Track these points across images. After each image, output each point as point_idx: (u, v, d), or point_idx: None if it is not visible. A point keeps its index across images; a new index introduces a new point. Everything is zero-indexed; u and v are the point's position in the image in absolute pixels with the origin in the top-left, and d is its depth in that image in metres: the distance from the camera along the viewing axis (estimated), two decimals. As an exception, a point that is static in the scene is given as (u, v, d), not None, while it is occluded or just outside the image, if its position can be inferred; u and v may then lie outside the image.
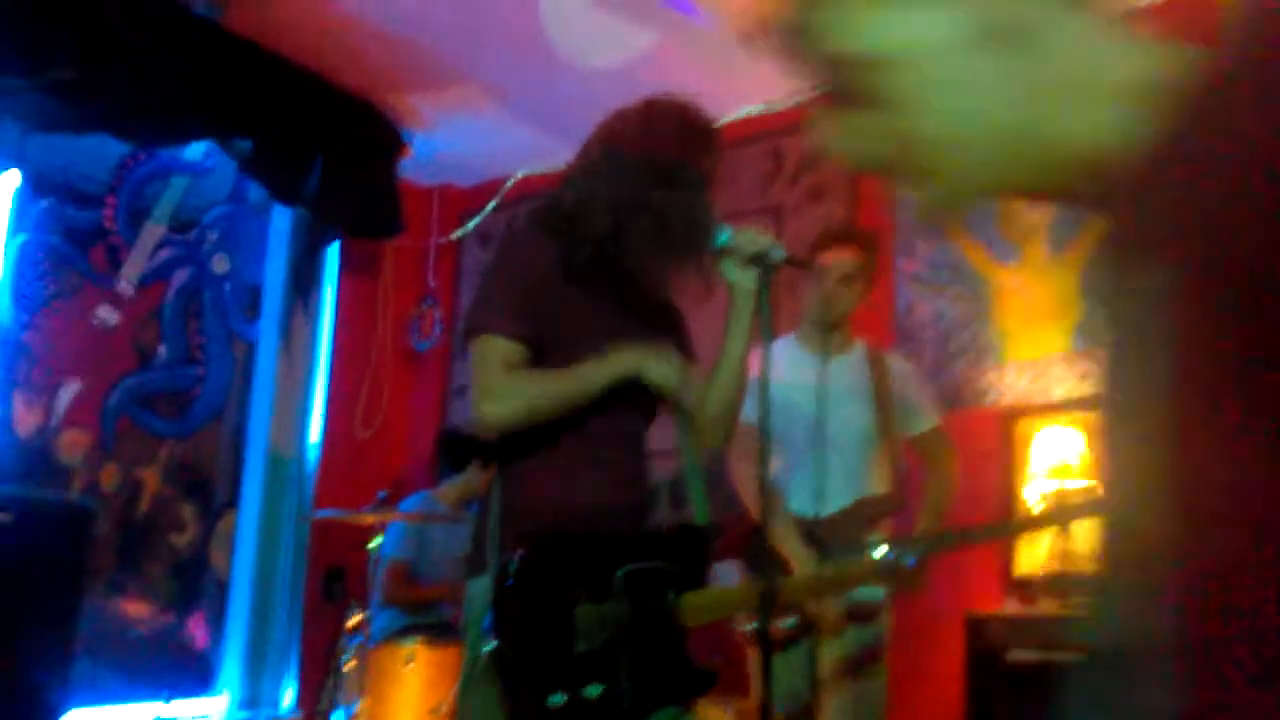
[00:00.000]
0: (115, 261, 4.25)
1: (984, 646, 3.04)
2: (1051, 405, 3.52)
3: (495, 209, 5.25)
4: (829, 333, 2.70)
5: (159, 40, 3.42)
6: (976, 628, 3.08)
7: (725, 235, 1.76)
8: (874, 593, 2.58)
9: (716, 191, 1.84)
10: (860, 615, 2.61)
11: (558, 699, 1.58)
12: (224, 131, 4.10)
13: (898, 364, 2.85)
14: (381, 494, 3.30)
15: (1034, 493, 3.38)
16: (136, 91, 3.41)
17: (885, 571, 2.06)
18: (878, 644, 2.65)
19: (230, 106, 3.92)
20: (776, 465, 2.68)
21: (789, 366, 2.64)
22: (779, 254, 1.75)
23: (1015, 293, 3.69)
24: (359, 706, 3.09)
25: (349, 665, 3.18)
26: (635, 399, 1.82)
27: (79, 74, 3.10)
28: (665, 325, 1.94)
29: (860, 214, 4.11)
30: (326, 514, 4.29)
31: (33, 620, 2.32)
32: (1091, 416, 3.42)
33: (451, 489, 4.26)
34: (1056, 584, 3.24)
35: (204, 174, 4.57)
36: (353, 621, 3.15)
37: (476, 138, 4.90)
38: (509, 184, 5.22)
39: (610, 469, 1.79)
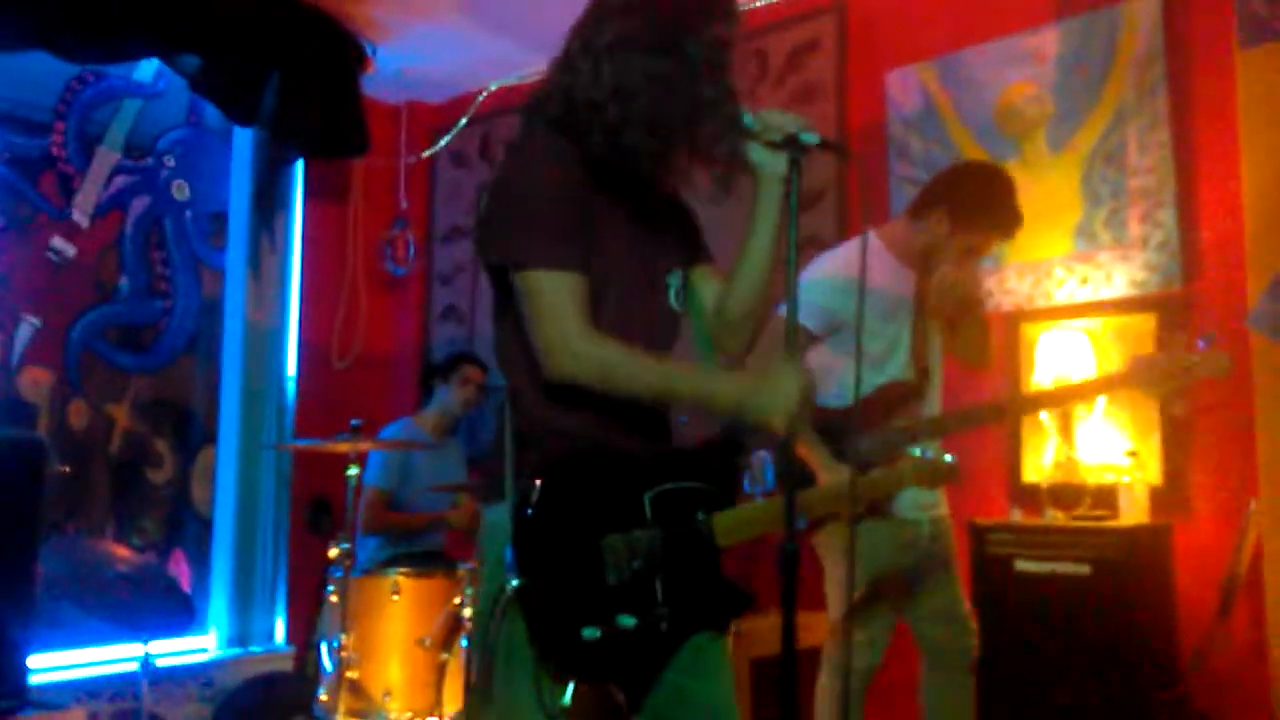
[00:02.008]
0: (68, 190, 4.04)
1: (990, 555, 2.97)
2: (1054, 308, 3.38)
3: (468, 125, 5.03)
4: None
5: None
6: (981, 536, 3.00)
7: (748, 117, 1.57)
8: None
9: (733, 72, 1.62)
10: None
11: (592, 632, 1.50)
12: (170, 47, 3.85)
13: None
14: (355, 422, 3.15)
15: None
16: (71, 5, 3.17)
17: (923, 471, 1.95)
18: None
19: (175, 19, 3.67)
20: (829, 363, 2.65)
21: (881, 271, 2.60)
22: (812, 137, 1.55)
23: (1014, 192, 3.52)
24: (343, 640, 2.99)
25: (332, 598, 3.07)
26: (658, 318, 1.69)
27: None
28: (680, 224, 1.77)
29: (850, 115, 3.92)
30: (300, 443, 4.16)
31: (-15, 564, 2.20)
32: (1095, 319, 3.29)
33: (431, 415, 4.14)
34: (1061, 494, 3.15)
35: (157, 96, 4.34)
36: (333, 553, 3.03)
37: (444, 50, 4.66)
38: (481, 98, 5.00)
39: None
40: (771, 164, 1.60)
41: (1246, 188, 2.87)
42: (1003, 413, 2.78)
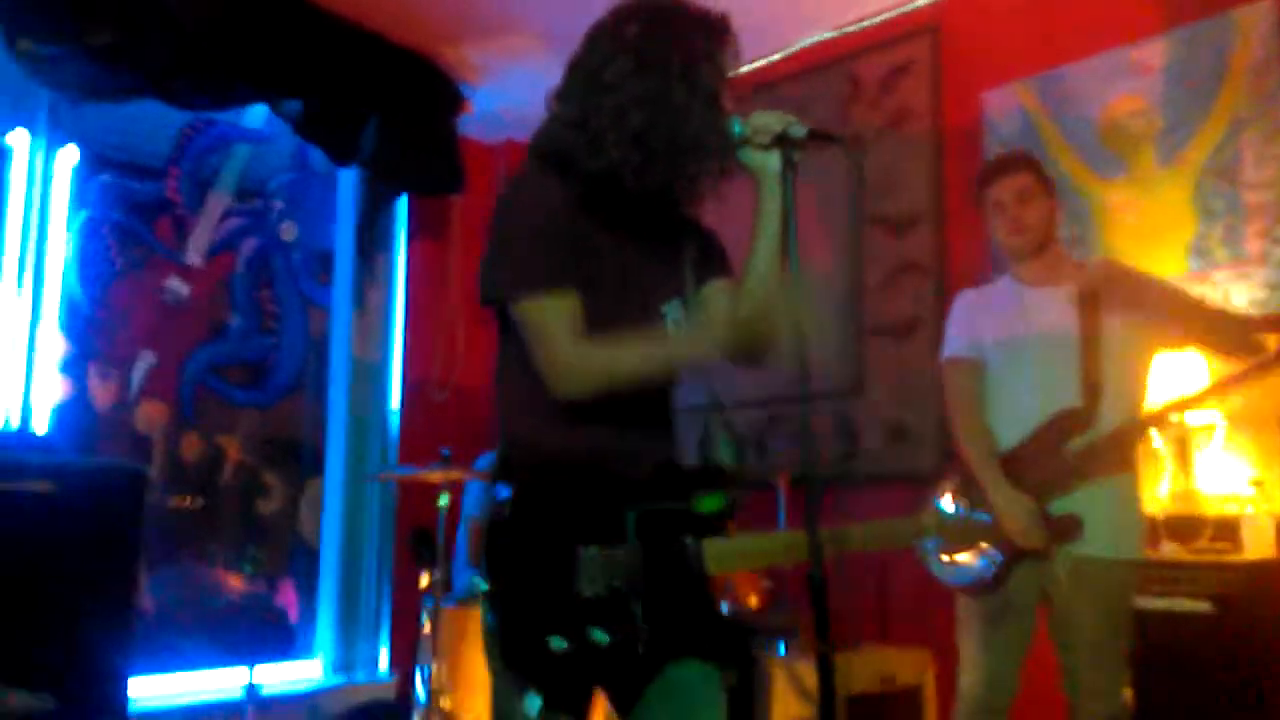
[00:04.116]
0: (182, 233, 4.23)
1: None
2: (1167, 329, 3.20)
3: (564, 160, 5.08)
4: (1028, 260, 2.63)
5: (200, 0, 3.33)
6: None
7: (737, 124, 1.58)
8: None
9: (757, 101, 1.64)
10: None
11: (559, 643, 1.47)
12: (273, 93, 4.00)
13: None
14: (445, 451, 3.19)
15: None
16: (179, 54, 3.33)
17: (947, 527, 1.88)
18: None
19: (277, 66, 3.81)
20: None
21: (999, 305, 2.63)
22: (800, 130, 1.54)
23: (1122, 210, 3.37)
24: (434, 669, 3.01)
25: (425, 628, 3.10)
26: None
27: (117, 37, 3.02)
28: (684, 250, 1.74)
29: (947, 137, 3.83)
30: (398, 471, 4.23)
31: (87, 588, 2.28)
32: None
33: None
34: (1179, 527, 2.96)
35: (266, 141, 4.51)
36: (424, 582, 3.06)
37: (538, 91, 4.70)
38: (576, 134, 5.05)
39: (627, 404, 1.58)
40: (768, 165, 1.59)
41: (1376, 198, 2.68)
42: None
